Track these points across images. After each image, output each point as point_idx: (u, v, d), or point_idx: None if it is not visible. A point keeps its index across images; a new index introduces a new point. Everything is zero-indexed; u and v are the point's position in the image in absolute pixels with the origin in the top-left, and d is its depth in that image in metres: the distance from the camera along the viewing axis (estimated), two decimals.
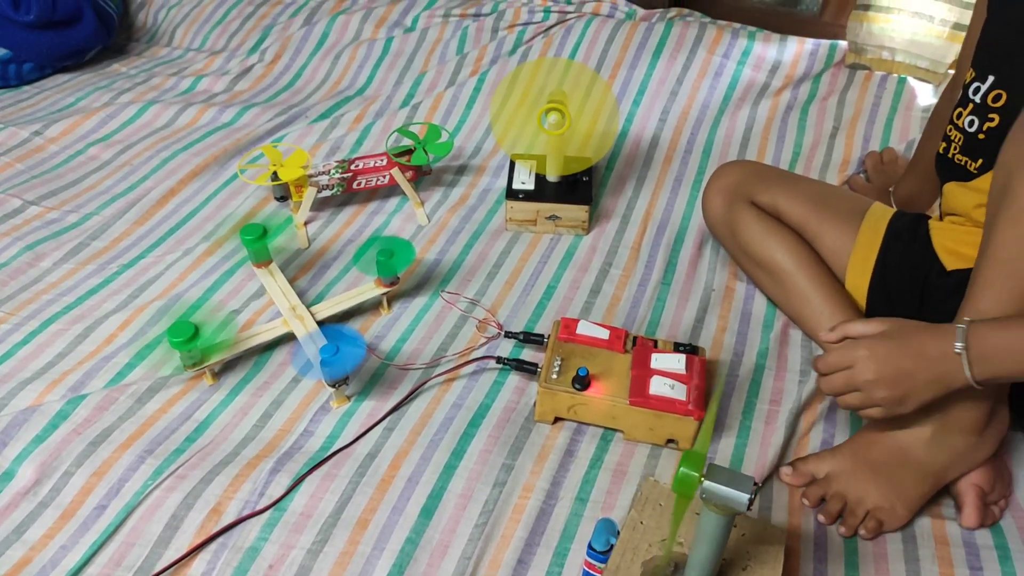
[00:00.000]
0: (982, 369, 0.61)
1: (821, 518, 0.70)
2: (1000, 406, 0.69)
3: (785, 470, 0.73)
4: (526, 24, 1.32)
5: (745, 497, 0.48)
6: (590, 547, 0.61)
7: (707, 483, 0.49)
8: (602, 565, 0.59)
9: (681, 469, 0.49)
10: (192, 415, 0.79)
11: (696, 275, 0.97)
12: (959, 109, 0.78)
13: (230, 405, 0.80)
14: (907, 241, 0.84)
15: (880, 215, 0.86)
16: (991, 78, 0.74)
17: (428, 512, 0.69)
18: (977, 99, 0.75)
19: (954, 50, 1.18)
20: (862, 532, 0.69)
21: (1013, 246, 0.61)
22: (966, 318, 0.62)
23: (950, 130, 0.79)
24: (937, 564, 0.67)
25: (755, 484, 0.49)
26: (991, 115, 0.73)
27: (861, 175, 1.10)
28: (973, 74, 0.76)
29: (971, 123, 0.75)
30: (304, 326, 0.84)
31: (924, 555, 0.67)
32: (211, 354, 0.80)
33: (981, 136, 0.74)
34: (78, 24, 1.34)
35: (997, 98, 0.73)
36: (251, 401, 0.80)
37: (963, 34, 1.17)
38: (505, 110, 1.05)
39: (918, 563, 0.67)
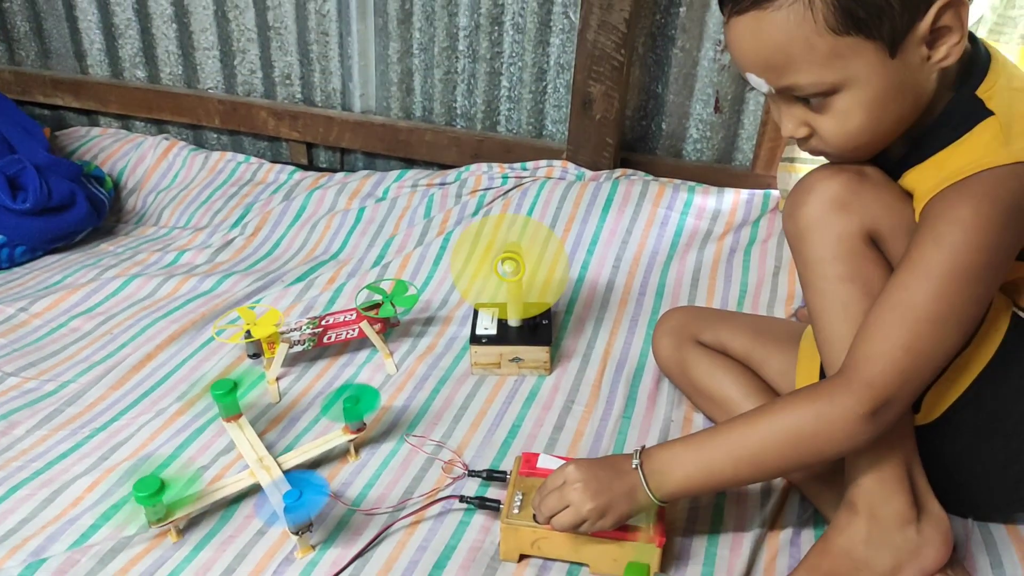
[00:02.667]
0: (658, 484, 0.69)
1: None
2: (928, 502, 0.70)
3: None
4: (486, 189, 1.45)
5: None
6: None
7: None
8: None
9: None
10: (154, 574, 0.78)
11: (655, 407, 1.00)
12: None
13: (193, 561, 0.79)
14: None
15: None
16: None
17: None
18: None
19: None
20: None
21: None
22: None
23: None
24: None
25: None
26: None
27: (804, 308, 1.17)
28: None
29: None
30: (270, 476, 0.85)
31: None
32: (176, 508, 0.81)
33: None
34: (71, 209, 1.44)
35: None
36: (215, 556, 0.80)
37: None
38: (465, 261, 1.12)
39: None
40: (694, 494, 0.74)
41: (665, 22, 1.37)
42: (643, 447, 0.72)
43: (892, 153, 0.70)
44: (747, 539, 0.80)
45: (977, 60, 0.65)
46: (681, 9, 1.35)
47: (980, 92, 0.64)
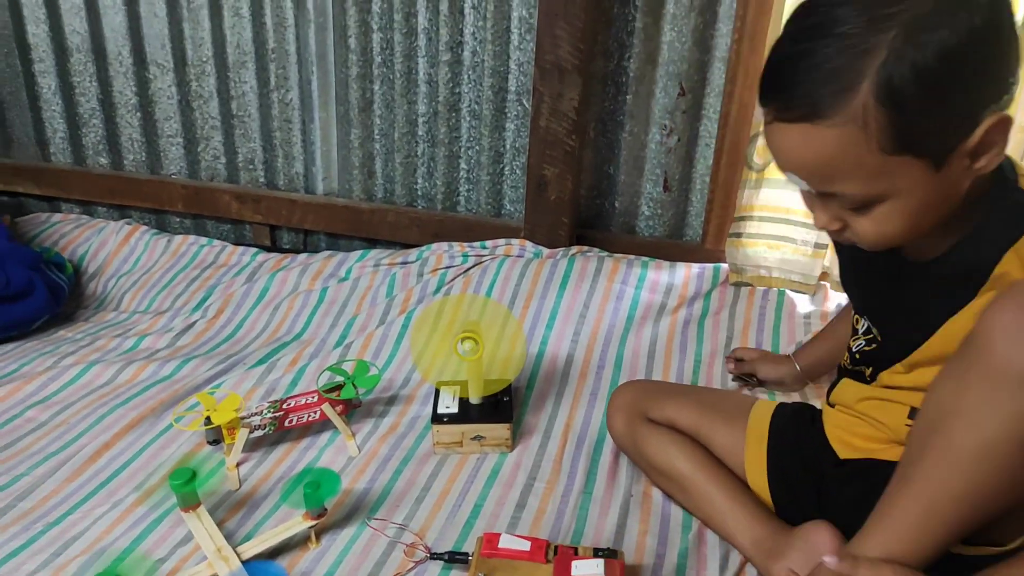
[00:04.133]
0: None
1: None
2: None
3: None
4: (447, 267, 1.48)
5: None
6: None
7: None
8: None
9: None
10: None
11: (616, 482, 1.02)
12: (856, 333, 0.85)
13: None
14: (795, 433, 0.92)
15: (763, 411, 0.95)
16: (866, 319, 0.83)
17: None
18: (860, 330, 0.84)
19: (819, 264, 1.37)
20: None
21: (936, 478, 0.63)
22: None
23: (853, 342, 0.86)
24: None
25: None
26: (871, 344, 0.82)
27: (734, 356, 1.21)
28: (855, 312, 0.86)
29: (859, 346, 0.84)
30: (229, 567, 0.84)
31: None
32: None
33: (866, 354, 0.83)
34: (29, 297, 1.44)
35: (873, 339, 0.82)
36: None
37: (824, 251, 1.37)
38: (425, 341, 1.15)
39: None
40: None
41: (614, 108, 1.45)
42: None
43: (936, 243, 0.71)
44: None
45: None
46: (628, 96, 1.44)
47: (1022, 184, 0.68)
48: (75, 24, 1.67)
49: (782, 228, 1.38)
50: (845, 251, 0.87)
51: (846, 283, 0.89)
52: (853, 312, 0.87)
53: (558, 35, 1.28)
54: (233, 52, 1.61)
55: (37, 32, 1.69)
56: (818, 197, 0.68)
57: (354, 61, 1.54)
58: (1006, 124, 0.62)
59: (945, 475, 0.62)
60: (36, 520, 0.97)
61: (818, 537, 0.78)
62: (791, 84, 0.63)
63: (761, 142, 1.33)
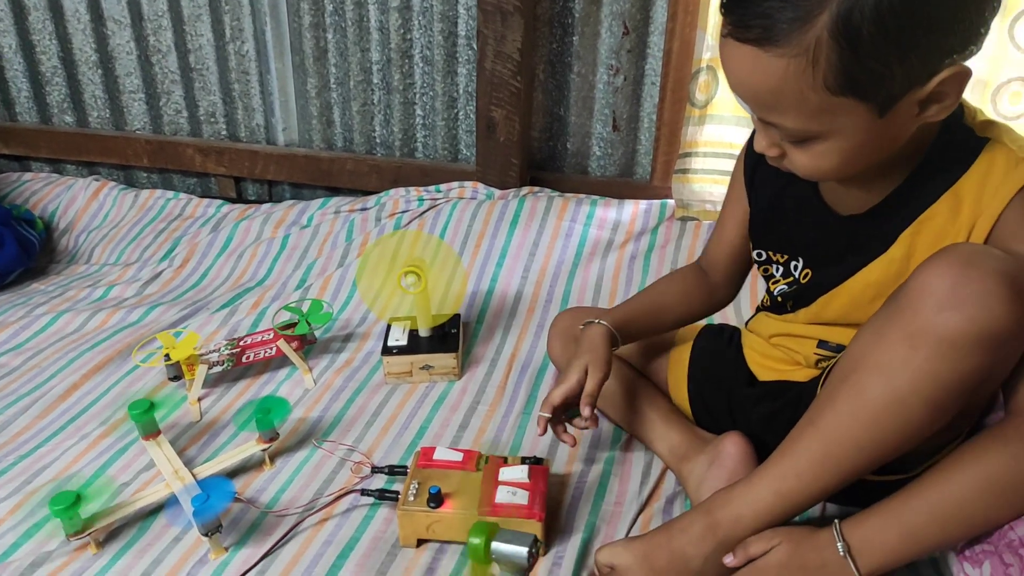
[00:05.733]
0: (866, 562, 0.65)
1: None
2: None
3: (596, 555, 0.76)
4: (403, 212, 1.53)
5: (524, 551, 0.56)
6: None
7: (494, 544, 0.57)
8: None
9: (469, 539, 0.57)
10: None
11: None
12: (775, 277, 0.86)
13: (111, 569, 0.84)
14: (713, 353, 0.97)
15: (687, 333, 1.01)
16: (800, 260, 0.82)
17: None
18: (778, 274, 0.85)
19: None
20: None
21: (843, 423, 0.64)
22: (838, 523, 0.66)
23: (772, 285, 0.87)
24: None
25: (535, 540, 0.57)
26: (793, 285, 0.83)
27: None
28: (778, 256, 0.85)
29: (780, 289, 0.85)
30: (183, 484, 0.90)
31: None
32: (94, 521, 0.86)
33: (788, 295, 0.84)
34: (2, 250, 1.48)
35: (795, 281, 0.83)
36: (132, 563, 0.85)
37: None
38: (376, 281, 1.20)
39: None
40: (902, 564, 0.66)
41: (561, 50, 1.48)
42: (838, 525, 0.67)
43: (868, 182, 0.71)
44: (625, 513, 0.87)
45: None
46: (574, 38, 1.46)
47: (967, 122, 0.68)
48: None
49: (726, 163, 1.42)
50: (767, 197, 0.85)
51: (764, 226, 0.86)
52: (762, 260, 0.87)
53: None
54: (188, 5, 1.62)
55: None
56: (760, 121, 0.67)
57: (306, 10, 1.56)
58: (963, 77, 0.59)
59: (850, 421, 0.63)
60: (8, 453, 1.03)
61: (726, 445, 0.84)
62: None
63: (703, 78, 1.36)
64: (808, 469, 0.67)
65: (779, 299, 0.86)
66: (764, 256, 0.86)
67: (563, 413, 0.90)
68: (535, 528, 0.81)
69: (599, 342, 0.90)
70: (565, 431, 0.90)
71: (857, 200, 0.74)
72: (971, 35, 0.58)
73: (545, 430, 0.87)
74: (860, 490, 0.72)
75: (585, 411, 0.86)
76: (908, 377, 0.60)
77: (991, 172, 0.66)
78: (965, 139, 0.68)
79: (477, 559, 0.57)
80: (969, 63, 0.60)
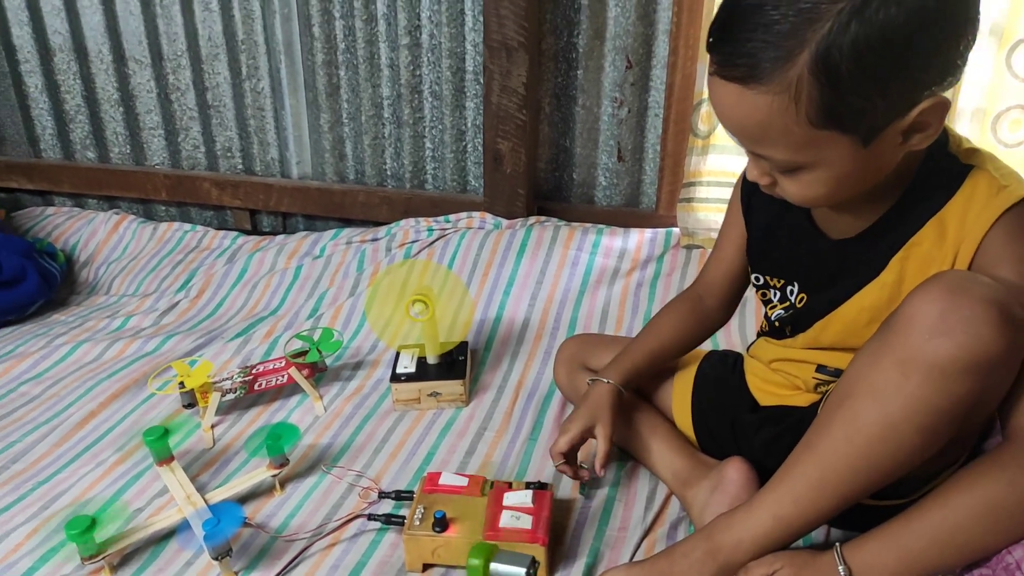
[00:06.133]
0: None
1: None
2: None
3: None
4: (413, 241, 1.56)
5: (522, 571, 0.57)
6: None
7: (492, 565, 0.58)
8: None
9: (469, 560, 0.59)
10: None
11: (559, 428, 1.09)
12: (772, 303, 0.87)
13: None
14: (717, 380, 0.99)
15: (690, 359, 1.02)
16: (796, 284, 0.83)
17: None
18: (775, 299, 0.87)
19: None
20: None
21: (838, 448, 0.65)
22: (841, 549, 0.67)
23: (770, 310, 0.89)
24: None
25: (533, 561, 0.59)
26: (789, 310, 0.85)
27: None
28: (775, 280, 0.86)
29: (778, 314, 0.87)
30: (195, 509, 0.92)
31: None
32: (108, 545, 0.88)
33: (785, 320, 0.85)
34: (22, 283, 1.53)
35: (791, 305, 0.85)
36: None
37: None
38: (384, 309, 1.22)
39: None
40: None
41: (566, 83, 1.52)
42: (839, 548, 0.67)
43: (857, 208, 0.73)
44: (629, 539, 0.88)
45: None
46: (579, 72, 1.50)
47: (951, 149, 0.70)
48: (56, 24, 1.75)
49: (728, 192, 1.42)
50: (763, 223, 0.86)
51: (761, 251, 0.88)
52: (760, 284, 0.88)
53: (503, 15, 1.35)
54: (205, 45, 1.69)
55: (21, 34, 1.77)
56: (750, 153, 0.69)
57: (319, 48, 1.61)
58: (943, 107, 0.61)
59: (844, 446, 0.64)
60: (27, 480, 1.06)
61: (728, 471, 0.85)
62: (737, 39, 0.61)
63: (705, 109, 1.39)
64: (805, 494, 0.68)
65: (777, 324, 0.87)
66: (762, 280, 0.88)
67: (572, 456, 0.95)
68: (538, 552, 0.81)
69: (605, 401, 0.94)
70: (580, 469, 0.95)
71: (848, 225, 0.76)
72: (948, 68, 0.60)
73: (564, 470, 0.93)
74: (860, 515, 0.72)
75: (600, 472, 0.91)
76: (900, 403, 0.61)
77: (973, 198, 0.68)
78: (950, 166, 0.70)
79: None
80: (968, 92, 0.62)
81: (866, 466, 0.64)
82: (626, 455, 1.02)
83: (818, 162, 0.64)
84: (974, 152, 0.71)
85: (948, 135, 0.72)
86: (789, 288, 0.85)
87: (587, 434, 0.93)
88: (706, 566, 0.72)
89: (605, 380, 0.95)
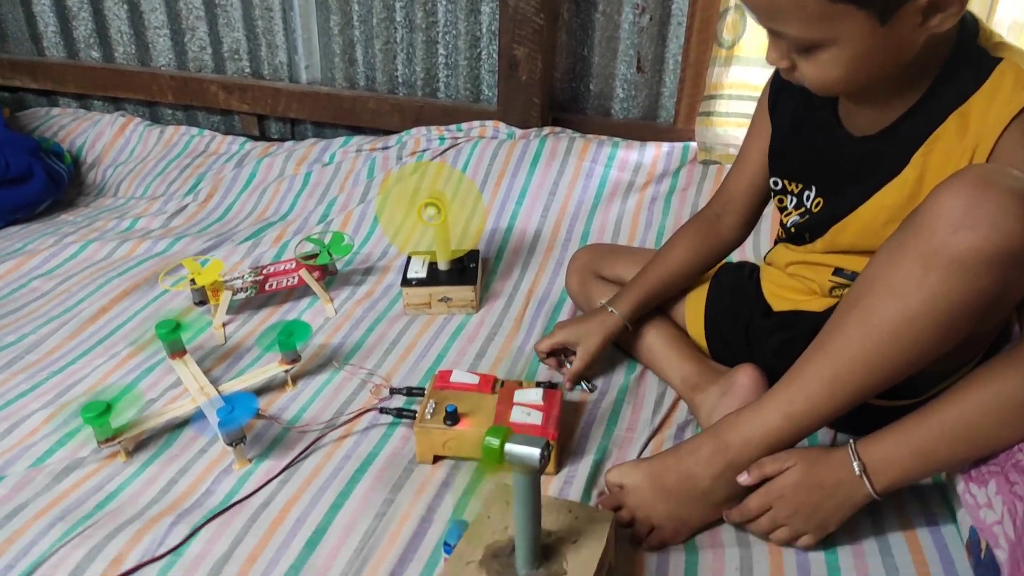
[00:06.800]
0: (880, 480, 0.66)
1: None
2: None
3: (607, 475, 0.79)
4: (424, 150, 1.53)
5: (536, 452, 0.58)
6: (446, 543, 0.69)
7: (508, 446, 0.59)
8: None
9: (485, 439, 0.59)
10: (104, 487, 0.86)
11: None
12: (787, 210, 0.87)
13: (140, 476, 0.88)
14: (732, 288, 0.98)
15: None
16: (806, 186, 0.83)
17: (312, 544, 0.77)
18: (791, 206, 0.86)
19: None
20: (645, 546, 0.74)
21: (853, 345, 0.65)
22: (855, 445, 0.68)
23: (786, 218, 0.88)
24: (769, 557, 0.74)
25: (547, 444, 0.59)
26: (805, 215, 0.84)
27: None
28: (793, 184, 0.85)
29: (793, 220, 0.86)
30: (208, 399, 0.93)
31: (754, 540, 0.75)
32: (124, 430, 0.89)
33: (802, 226, 0.85)
34: (29, 181, 1.51)
35: (807, 211, 0.84)
36: (160, 471, 0.88)
37: None
38: (390, 207, 1.21)
39: (750, 547, 0.75)
40: (914, 482, 0.69)
41: None
42: (853, 445, 0.68)
43: (882, 102, 0.72)
44: (636, 439, 0.89)
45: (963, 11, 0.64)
46: None
47: (981, 42, 0.67)
48: None
49: (750, 106, 1.38)
50: (787, 123, 0.85)
51: (782, 153, 0.87)
52: (778, 189, 0.87)
53: None
54: None
55: None
56: (769, 33, 0.67)
57: None
58: None
59: (860, 342, 0.64)
60: (41, 369, 1.07)
61: (739, 375, 0.85)
62: None
63: (730, 17, 1.34)
64: (817, 391, 0.68)
65: (793, 230, 0.86)
66: (780, 185, 0.87)
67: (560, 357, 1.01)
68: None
69: (601, 329, 0.97)
70: (560, 367, 1.00)
71: (871, 120, 0.74)
72: None
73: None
74: (870, 417, 0.73)
75: (567, 387, 0.97)
76: (920, 298, 0.61)
77: (999, 92, 0.66)
78: (978, 58, 0.67)
79: (491, 459, 0.59)
80: (1005, 4, 0.60)
81: (881, 363, 0.64)
82: (634, 362, 1.03)
83: (835, 39, 0.63)
84: (1005, 46, 0.68)
85: (979, 27, 0.69)
86: (806, 193, 0.84)
87: (570, 345, 0.98)
88: (714, 463, 0.72)
89: (613, 310, 0.97)
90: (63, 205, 1.63)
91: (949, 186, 0.60)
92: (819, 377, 0.68)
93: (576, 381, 0.98)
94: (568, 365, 0.99)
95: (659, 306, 1.03)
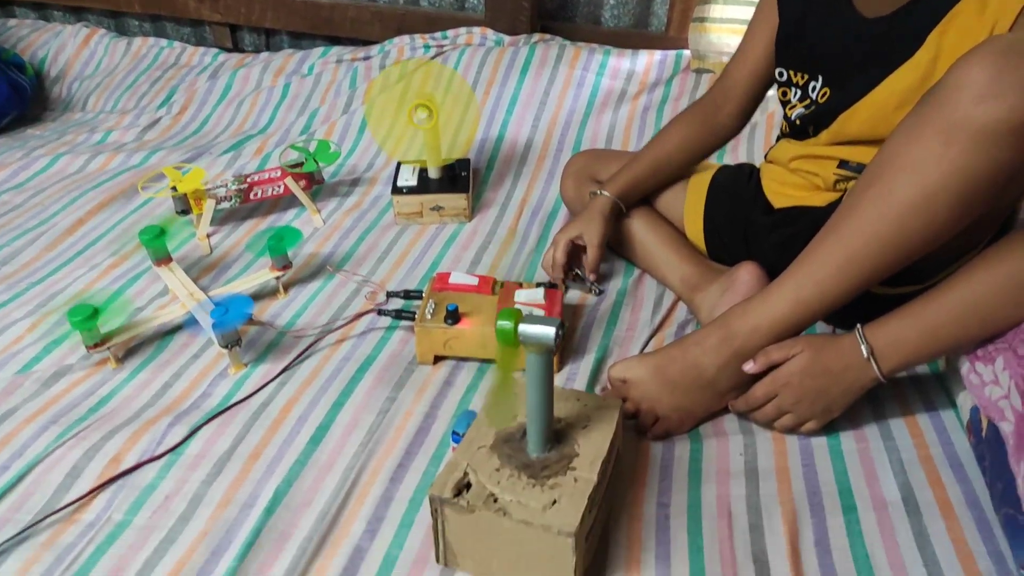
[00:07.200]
0: (887, 363, 0.66)
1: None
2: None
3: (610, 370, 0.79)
4: (408, 59, 1.47)
5: (552, 331, 0.57)
6: (454, 432, 0.69)
7: (522, 327, 0.58)
8: None
9: (498, 322, 0.58)
10: (95, 392, 0.84)
11: None
12: (791, 103, 0.86)
13: (132, 381, 0.86)
14: (731, 188, 0.97)
15: (704, 169, 0.99)
16: (820, 78, 0.81)
17: (316, 440, 0.76)
18: (795, 98, 0.84)
19: None
20: (649, 435, 0.74)
21: (867, 225, 0.64)
22: (865, 331, 0.68)
23: (790, 111, 0.87)
24: (772, 443, 0.75)
25: (561, 323, 0.58)
26: (810, 107, 0.83)
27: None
28: (798, 76, 0.84)
29: (798, 113, 0.84)
30: (201, 305, 0.91)
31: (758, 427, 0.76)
32: (113, 335, 0.87)
33: (806, 118, 0.83)
34: None
35: (812, 103, 0.82)
36: (153, 376, 0.86)
37: None
38: (377, 109, 1.16)
39: (753, 435, 0.75)
40: (921, 363, 0.69)
41: None
42: (860, 329, 0.68)
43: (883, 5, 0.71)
44: (637, 338, 0.89)
45: None
46: None
47: None
48: None
49: (745, 11, 1.36)
50: (797, 10, 0.84)
51: (789, 41, 0.86)
52: (783, 81, 0.86)
53: None
54: None
55: None
56: None
57: None
58: None
59: (876, 222, 0.63)
60: (20, 280, 1.03)
61: (740, 273, 0.85)
62: None
63: None
64: (828, 275, 0.67)
65: (798, 123, 0.85)
66: (785, 76, 0.85)
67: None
68: None
69: (597, 212, 0.95)
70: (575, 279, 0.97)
71: (885, 0, 0.72)
72: None
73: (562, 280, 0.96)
74: (872, 307, 0.73)
75: (592, 278, 0.94)
76: (940, 172, 0.60)
77: None
78: None
79: (506, 342, 0.58)
80: None
81: (896, 242, 0.63)
82: (632, 266, 1.02)
83: None
84: None
85: None
86: (812, 84, 0.82)
87: (577, 240, 0.94)
88: (720, 351, 0.72)
89: (604, 192, 0.95)
90: (28, 120, 1.55)
91: (972, 57, 0.58)
92: (831, 260, 0.67)
93: (598, 270, 0.95)
94: (579, 272, 0.97)
95: (658, 211, 1.01)
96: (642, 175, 0.98)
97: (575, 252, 0.96)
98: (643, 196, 0.99)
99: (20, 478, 0.72)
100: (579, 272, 0.97)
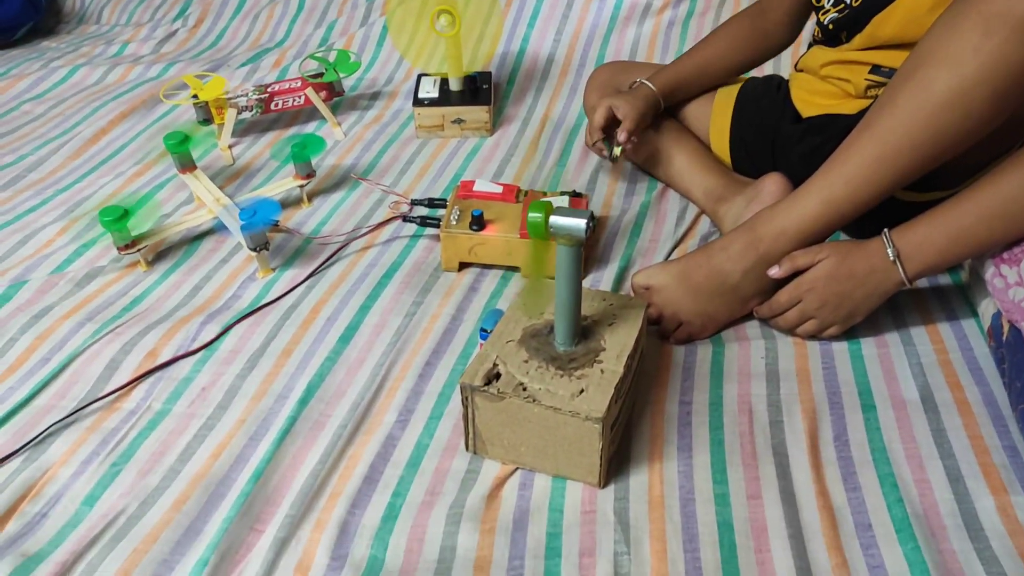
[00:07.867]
0: (913, 265, 0.67)
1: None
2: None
3: (633, 277, 0.79)
4: None
5: (583, 223, 0.57)
6: (482, 329, 0.70)
7: (552, 218, 0.58)
8: None
9: (529, 214, 0.58)
10: (128, 292, 0.86)
11: (588, 155, 1.07)
12: (824, 8, 0.84)
13: (163, 283, 0.87)
14: (759, 99, 0.95)
15: (733, 83, 0.98)
16: None
17: (345, 339, 0.78)
18: (828, 3, 0.83)
19: None
20: (672, 339, 0.76)
21: (901, 121, 0.64)
22: (890, 235, 0.67)
23: (823, 16, 0.85)
24: (793, 347, 0.76)
25: (592, 215, 0.58)
26: (843, 11, 0.81)
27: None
28: None
29: (831, 18, 0.83)
30: (227, 209, 0.92)
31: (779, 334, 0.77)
32: (144, 238, 0.88)
33: (839, 22, 0.82)
34: (5, 2, 1.41)
35: (846, 7, 0.80)
36: (183, 279, 0.88)
37: None
38: (398, 16, 1.14)
39: (775, 339, 0.77)
40: (946, 267, 0.70)
41: None
42: (887, 232, 0.68)
43: None
44: (660, 248, 0.89)
45: None
46: None
47: None
48: None
49: None
50: None
51: None
52: None
53: None
54: None
55: None
56: None
57: None
58: None
59: (909, 118, 0.62)
60: (47, 187, 1.04)
61: (766, 183, 0.84)
62: None
63: None
64: (858, 173, 0.67)
65: (831, 27, 0.83)
66: None
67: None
68: None
69: (638, 94, 0.93)
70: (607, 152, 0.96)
71: None
72: None
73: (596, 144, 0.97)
74: (897, 214, 0.73)
75: (623, 140, 0.91)
76: (977, 65, 0.59)
77: None
78: None
79: (537, 234, 0.59)
80: None
81: (930, 137, 0.63)
82: (655, 180, 1.01)
83: None
84: None
85: None
86: None
87: (615, 108, 0.93)
88: (745, 256, 0.73)
89: (647, 82, 0.95)
90: (42, 32, 1.54)
91: None
92: (861, 158, 0.67)
93: (628, 143, 0.92)
94: (611, 147, 0.95)
95: (682, 120, 1.00)
96: (686, 75, 0.97)
97: (612, 123, 0.95)
98: (684, 98, 0.99)
99: (61, 369, 0.75)
100: (608, 143, 0.96)
